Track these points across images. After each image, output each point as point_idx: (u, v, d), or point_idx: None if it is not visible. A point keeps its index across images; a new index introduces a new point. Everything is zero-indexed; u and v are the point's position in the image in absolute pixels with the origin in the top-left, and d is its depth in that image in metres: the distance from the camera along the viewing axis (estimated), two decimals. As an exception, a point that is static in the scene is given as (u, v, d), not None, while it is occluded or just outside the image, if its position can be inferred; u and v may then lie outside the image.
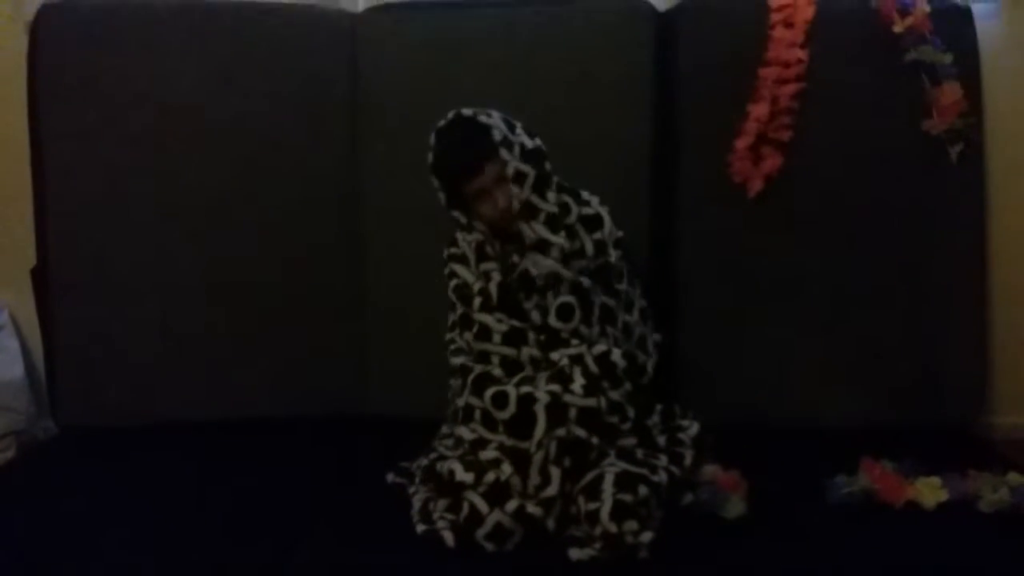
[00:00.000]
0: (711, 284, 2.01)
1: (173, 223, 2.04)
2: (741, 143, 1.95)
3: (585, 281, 1.71)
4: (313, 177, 2.04)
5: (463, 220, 1.72)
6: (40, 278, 2.06)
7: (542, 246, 1.69)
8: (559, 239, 1.69)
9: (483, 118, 1.66)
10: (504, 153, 1.64)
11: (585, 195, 1.78)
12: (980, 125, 2.00)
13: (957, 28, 1.98)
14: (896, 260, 2.00)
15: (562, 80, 1.96)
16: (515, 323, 1.69)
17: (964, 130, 1.95)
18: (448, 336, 1.78)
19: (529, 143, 1.68)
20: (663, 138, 2.01)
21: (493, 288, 1.72)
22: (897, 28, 1.93)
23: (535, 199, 1.68)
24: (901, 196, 1.99)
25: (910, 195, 1.99)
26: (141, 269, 2.04)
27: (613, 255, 1.76)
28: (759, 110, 1.94)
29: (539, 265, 1.69)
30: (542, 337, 1.69)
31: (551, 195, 1.70)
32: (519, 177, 1.66)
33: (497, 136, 1.65)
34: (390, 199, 2.03)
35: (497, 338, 1.69)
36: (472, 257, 1.75)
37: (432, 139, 1.70)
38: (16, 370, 2.13)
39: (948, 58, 1.93)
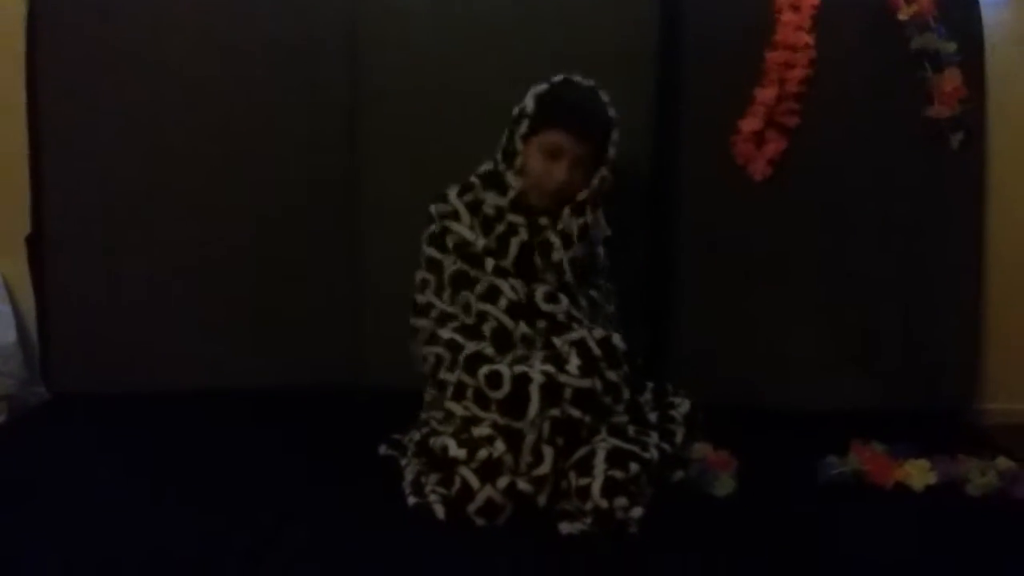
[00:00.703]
0: (709, 266, 2.02)
1: (168, 192, 2.03)
2: (747, 126, 1.95)
3: (571, 280, 1.70)
4: (311, 148, 2.04)
5: (519, 160, 1.68)
6: (35, 245, 2.05)
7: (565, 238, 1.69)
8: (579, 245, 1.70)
9: (612, 111, 1.68)
10: (612, 148, 1.66)
11: None
12: (982, 112, 2.00)
13: (962, 14, 1.98)
14: (893, 246, 2.01)
15: (565, 59, 1.92)
16: (521, 299, 1.67)
17: (964, 118, 1.95)
18: (421, 298, 1.74)
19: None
20: (665, 119, 2.00)
21: (515, 244, 1.68)
22: (902, 15, 1.93)
23: (584, 196, 1.68)
24: (899, 183, 2.00)
25: (908, 182, 2.00)
26: (136, 237, 2.04)
27: (600, 254, 1.78)
28: (766, 94, 1.94)
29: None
30: (540, 323, 1.67)
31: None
32: (598, 167, 1.66)
33: (615, 136, 1.67)
34: (388, 176, 2.02)
35: (503, 303, 1.67)
36: (467, 216, 1.71)
37: (559, 78, 1.68)
38: (9, 335, 2.13)
39: (952, 46, 1.93)
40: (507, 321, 1.67)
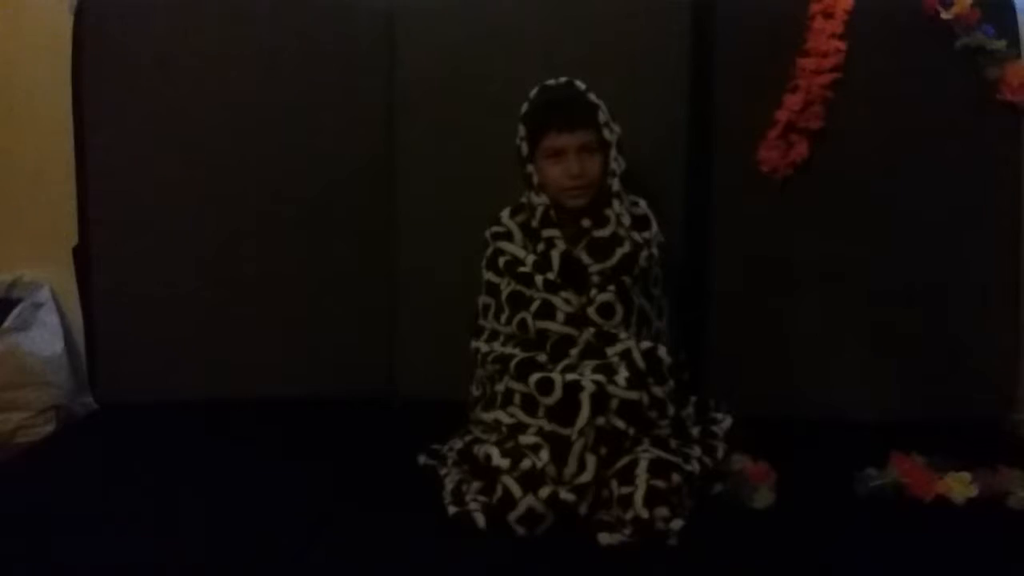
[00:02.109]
0: (743, 274, 2.01)
1: (212, 203, 2.06)
2: (773, 133, 1.95)
3: (628, 281, 1.71)
4: (347, 157, 2.05)
5: (535, 179, 1.70)
6: (81, 256, 2.09)
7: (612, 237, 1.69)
8: (635, 232, 1.71)
9: (593, 96, 1.69)
10: (604, 129, 1.67)
11: (632, 197, 1.78)
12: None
13: (998, 19, 1.95)
14: (928, 252, 1.99)
15: (597, 65, 1.94)
16: (577, 311, 1.68)
17: None
18: (483, 323, 1.76)
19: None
20: (698, 126, 2.01)
21: (556, 256, 1.70)
22: (945, 15, 1.92)
23: (616, 186, 1.69)
24: (938, 188, 1.98)
25: (947, 187, 1.98)
26: (181, 249, 2.07)
27: (656, 256, 1.76)
28: (793, 100, 1.94)
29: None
30: (592, 330, 1.68)
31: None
32: (609, 150, 1.68)
33: (602, 118, 1.68)
34: (425, 180, 2.04)
35: (561, 316, 1.68)
36: (519, 235, 1.74)
37: (535, 91, 1.72)
38: (56, 346, 2.18)
39: (1003, 43, 1.92)
40: (570, 331, 1.68)
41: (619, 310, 1.69)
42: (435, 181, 2.03)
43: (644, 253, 1.73)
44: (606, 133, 1.68)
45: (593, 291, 1.68)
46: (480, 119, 1.98)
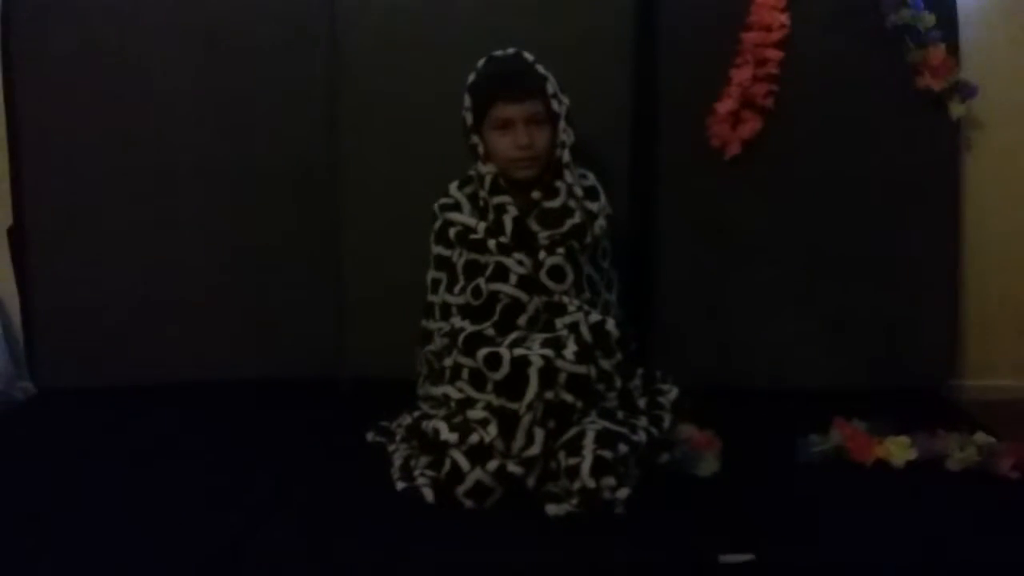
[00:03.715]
0: (689, 247, 2.03)
1: (149, 183, 2.03)
2: (723, 107, 1.96)
3: (576, 246, 1.70)
4: (291, 139, 2.03)
5: (481, 148, 1.69)
6: (16, 237, 2.05)
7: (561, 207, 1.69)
8: (579, 198, 1.70)
9: (540, 68, 1.68)
10: (552, 100, 1.66)
11: (579, 170, 1.77)
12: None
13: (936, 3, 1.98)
14: (870, 226, 2.03)
15: (542, 39, 1.93)
16: (530, 272, 1.67)
17: (960, 88, 1.97)
18: (433, 298, 1.75)
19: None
20: (644, 102, 2.01)
21: (508, 221, 1.68)
22: None
23: (566, 157, 1.68)
24: (876, 163, 2.01)
25: (885, 162, 2.01)
26: (118, 229, 2.03)
27: (604, 227, 1.76)
28: (742, 75, 1.95)
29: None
30: (543, 298, 1.68)
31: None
32: (557, 121, 1.67)
33: (550, 89, 1.67)
34: (369, 161, 2.02)
35: (514, 279, 1.67)
36: (468, 205, 1.73)
37: (482, 62, 1.70)
38: (-8, 330, 2.13)
39: (931, 19, 1.94)
40: (520, 294, 1.67)
41: (569, 273, 1.69)
42: (380, 159, 2.01)
43: (598, 222, 1.73)
44: (554, 104, 1.67)
45: (542, 254, 1.68)
46: (425, 97, 1.96)
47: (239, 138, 2.03)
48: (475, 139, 1.69)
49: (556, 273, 1.68)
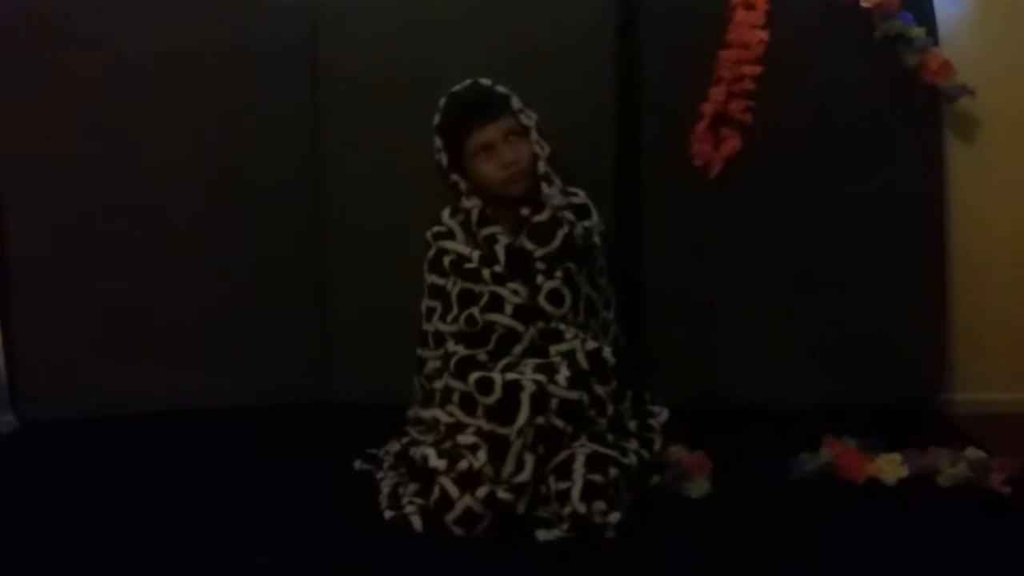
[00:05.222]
0: (675, 265, 2.03)
1: (133, 211, 2.02)
2: (701, 126, 1.97)
3: (573, 267, 1.70)
4: (275, 160, 2.03)
5: (463, 185, 1.69)
6: (-2, 269, 2.03)
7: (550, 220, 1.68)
8: (567, 211, 1.69)
9: (500, 88, 1.69)
10: (520, 115, 1.67)
11: (570, 188, 1.77)
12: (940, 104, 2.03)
13: (916, 8, 1.99)
14: (858, 241, 2.03)
15: (524, 57, 1.95)
16: (526, 302, 1.66)
17: (965, 88, 1.99)
18: (427, 327, 1.73)
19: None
20: (626, 118, 2.01)
21: (500, 250, 1.68)
22: (865, 4, 1.95)
23: (548, 169, 1.68)
24: (862, 177, 2.01)
25: (868, 177, 2.01)
26: (101, 258, 2.02)
27: (598, 244, 1.77)
28: (717, 93, 1.95)
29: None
30: (540, 325, 1.67)
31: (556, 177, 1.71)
32: (530, 134, 1.67)
33: (515, 104, 1.68)
34: (355, 182, 2.01)
35: (509, 309, 1.66)
36: (461, 233, 1.72)
37: (443, 101, 1.70)
38: (-25, 363, 2.10)
39: (921, 31, 1.96)
40: (516, 324, 1.66)
41: (567, 296, 1.68)
42: (366, 184, 2.01)
43: (585, 233, 1.72)
44: (523, 118, 1.68)
45: (540, 278, 1.67)
46: (411, 116, 1.91)
47: (223, 163, 2.02)
48: (454, 177, 1.69)
49: (555, 297, 1.67)
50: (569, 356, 1.62)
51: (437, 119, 1.69)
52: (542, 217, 1.68)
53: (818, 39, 1.98)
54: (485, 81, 1.70)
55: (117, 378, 2.03)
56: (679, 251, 2.03)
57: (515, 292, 1.67)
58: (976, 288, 2.16)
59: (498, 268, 1.68)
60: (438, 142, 1.69)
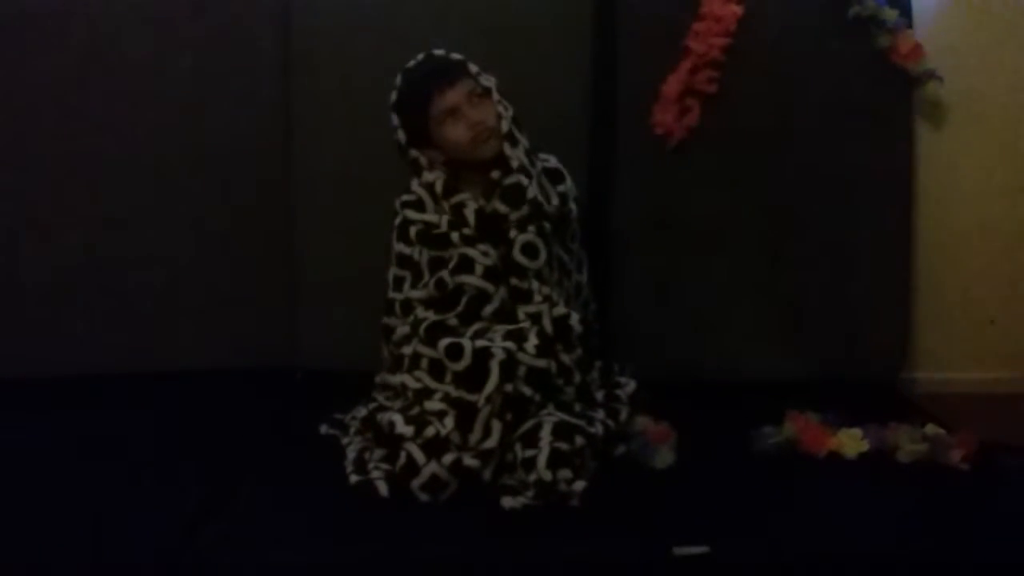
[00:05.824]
0: (645, 239, 2.03)
1: (95, 169, 1.99)
2: (665, 96, 1.96)
3: (547, 226, 1.69)
4: (241, 122, 2.00)
5: (423, 160, 1.68)
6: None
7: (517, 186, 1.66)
8: (535, 173, 1.68)
9: (455, 55, 1.67)
10: (479, 77, 1.65)
11: (542, 154, 1.77)
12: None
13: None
14: (825, 218, 2.03)
15: (499, 29, 1.94)
16: (496, 263, 1.65)
17: (935, 72, 2.00)
18: (395, 295, 1.71)
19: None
20: (601, 92, 2.01)
21: (470, 214, 1.66)
22: None
23: (512, 129, 1.66)
24: (830, 157, 2.02)
25: (838, 156, 2.02)
26: (69, 221, 1.99)
27: (574, 210, 1.76)
28: (684, 64, 1.95)
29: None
30: (512, 281, 1.66)
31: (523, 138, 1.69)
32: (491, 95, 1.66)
33: (472, 69, 1.66)
34: (323, 146, 2.00)
35: (479, 269, 1.65)
36: (430, 201, 1.70)
37: (398, 78, 1.68)
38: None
39: (894, 13, 1.97)
40: (486, 285, 1.65)
41: (542, 249, 1.67)
42: (334, 151, 1.99)
43: (569, 204, 1.73)
44: (483, 80, 1.66)
45: (513, 232, 1.66)
46: (379, 88, 1.89)
47: (190, 127, 2.00)
48: (413, 153, 1.68)
49: (529, 250, 1.66)
50: (536, 319, 1.62)
51: (394, 96, 1.67)
52: (513, 180, 1.66)
53: (792, 15, 1.99)
54: (439, 51, 1.68)
55: (77, 337, 2.00)
56: (647, 224, 2.03)
57: (485, 254, 1.65)
58: (941, 269, 2.18)
59: (467, 231, 1.66)
60: (395, 120, 1.67)
